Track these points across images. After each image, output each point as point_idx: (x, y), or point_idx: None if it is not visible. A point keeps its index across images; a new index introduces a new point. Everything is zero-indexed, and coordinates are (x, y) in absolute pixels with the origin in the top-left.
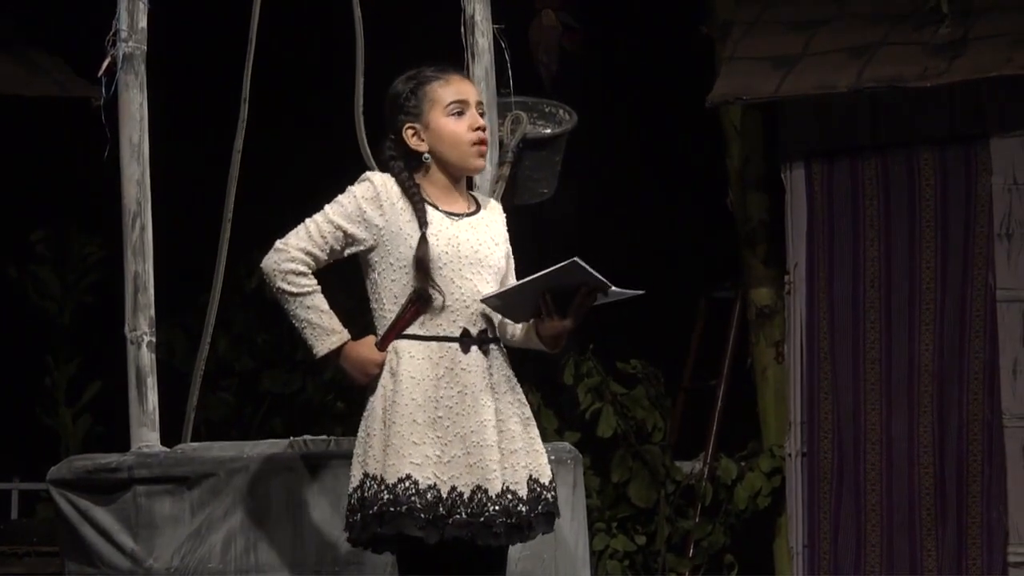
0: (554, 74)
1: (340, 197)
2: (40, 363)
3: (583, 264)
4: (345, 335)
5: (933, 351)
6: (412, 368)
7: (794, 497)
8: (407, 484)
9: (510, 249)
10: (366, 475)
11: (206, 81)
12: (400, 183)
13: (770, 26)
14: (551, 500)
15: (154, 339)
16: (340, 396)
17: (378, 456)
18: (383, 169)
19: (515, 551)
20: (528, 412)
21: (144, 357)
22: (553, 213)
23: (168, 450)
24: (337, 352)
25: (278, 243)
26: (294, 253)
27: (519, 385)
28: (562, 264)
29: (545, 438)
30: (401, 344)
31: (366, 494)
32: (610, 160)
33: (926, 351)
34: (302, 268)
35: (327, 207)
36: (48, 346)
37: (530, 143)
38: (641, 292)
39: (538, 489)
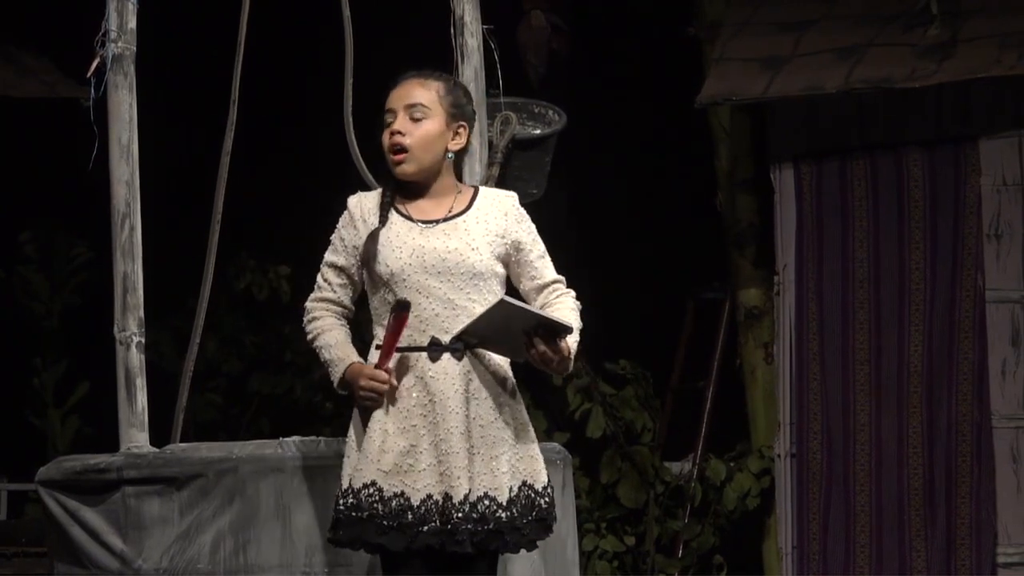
0: (543, 75)
1: (333, 235)
2: (28, 364)
3: (510, 301)
4: (348, 361)
5: (922, 352)
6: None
7: (783, 498)
8: (371, 491)
9: (520, 239)
10: (342, 488)
11: (195, 82)
12: (381, 199)
13: (759, 27)
14: (545, 506)
15: (143, 340)
16: (329, 397)
17: (350, 465)
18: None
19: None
20: (522, 417)
21: (133, 358)
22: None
23: (157, 451)
24: (345, 380)
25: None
26: (310, 305)
27: (515, 393)
28: (492, 307)
29: None
30: (373, 356)
31: (336, 504)
32: (599, 161)
33: (915, 352)
34: (314, 315)
35: (327, 251)
36: (36, 347)
37: (519, 144)
38: (569, 324)
39: (531, 495)
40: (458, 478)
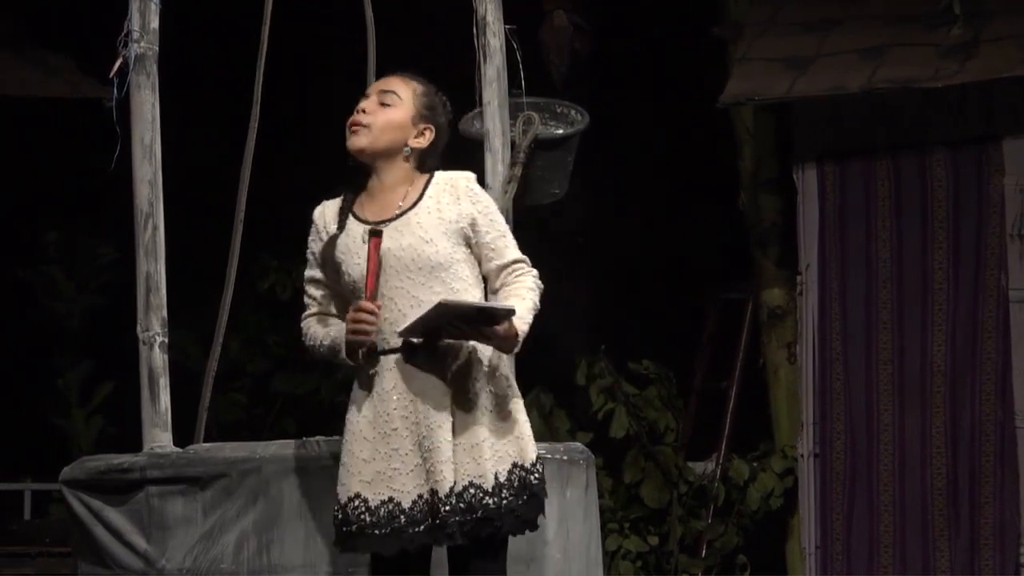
0: (565, 75)
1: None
2: (52, 364)
3: (449, 302)
4: (335, 328)
5: (945, 352)
6: (364, 386)
7: (806, 497)
8: (356, 503)
9: (476, 219)
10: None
11: (218, 81)
12: (341, 205)
13: (782, 27)
14: (535, 482)
15: (166, 340)
16: None
17: (339, 478)
18: None
19: (525, 550)
20: (506, 398)
21: (156, 358)
22: (565, 214)
23: (180, 451)
24: (344, 342)
25: None
26: (303, 326)
27: (494, 375)
28: (431, 308)
29: (557, 438)
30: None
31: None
32: (622, 161)
33: (938, 352)
34: (310, 328)
35: (305, 267)
36: (60, 347)
37: (542, 144)
38: (510, 308)
39: (522, 475)
40: (442, 472)
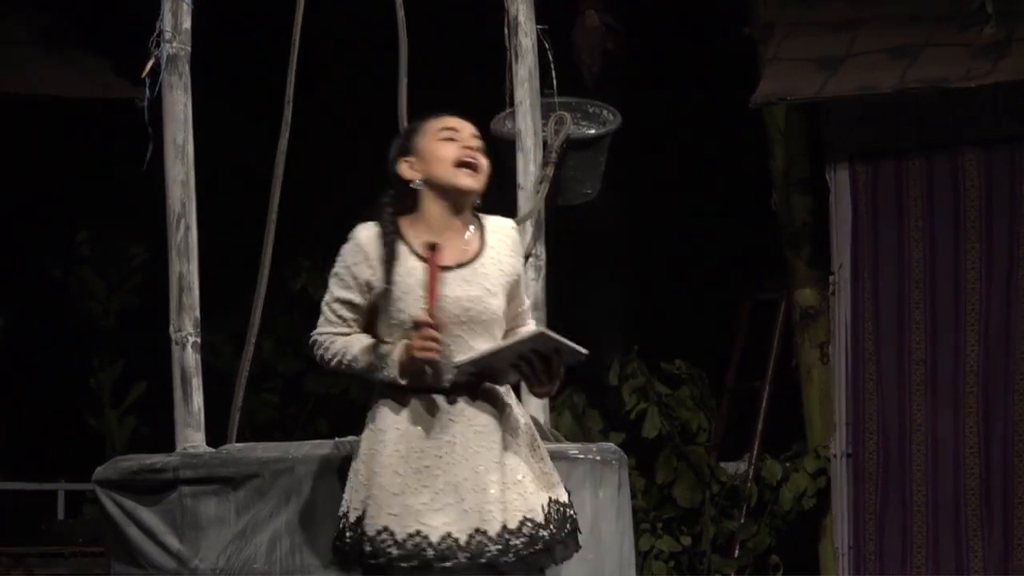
0: (597, 75)
1: (336, 268)
2: (85, 364)
3: (551, 334)
4: (397, 345)
5: (978, 351)
6: (397, 420)
7: (839, 498)
8: (384, 536)
9: (520, 272)
10: (346, 511)
11: (251, 82)
12: (384, 234)
13: (813, 27)
14: (574, 515)
15: (199, 340)
16: None
17: (358, 500)
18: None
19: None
20: (536, 439)
21: (189, 358)
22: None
23: (213, 451)
24: (399, 362)
25: (311, 336)
26: (322, 340)
27: (525, 414)
28: (531, 334)
29: (590, 438)
30: (385, 397)
31: (342, 526)
32: (654, 161)
33: (971, 351)
34: (330, 342)
35: (330, 283)
36: (93, 348)
37: (574, 144)
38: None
39: (560, 508)
40: (491, 512)
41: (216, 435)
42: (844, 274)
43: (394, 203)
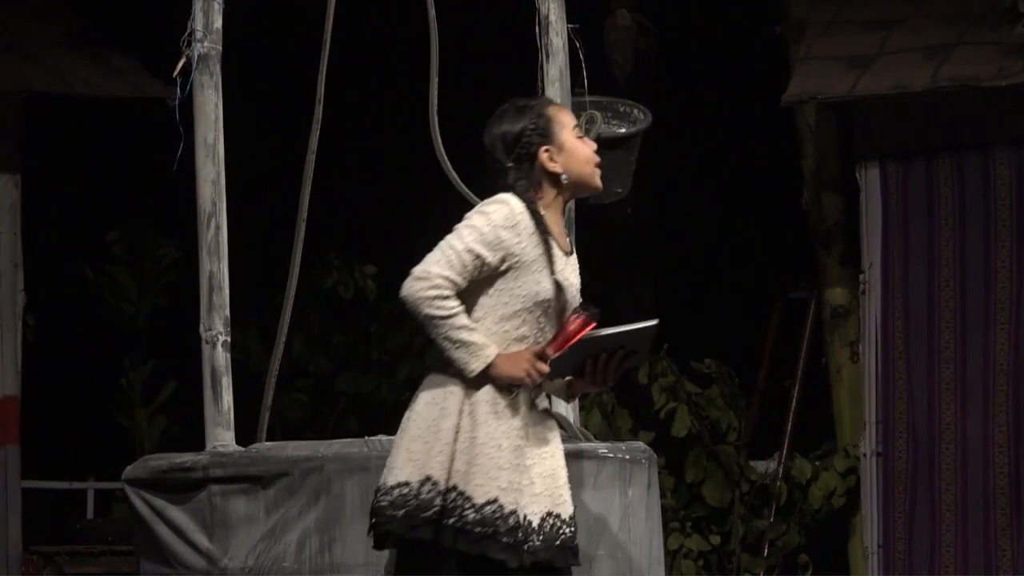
0: (628, 74)
1: (476, 220)
2: (116, 363)
3: (653, 329)
4: (495, 347)
5: (1009, 350)
6: (494, 397)
7: (869, 497)
8: (494, 507)
9: None
10: (428, 479)
11: (282, 80)
12: (533, 216)
13: (845, 26)
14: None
15: (229, 339)
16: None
17: (444, 465)
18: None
19: (586, 548)
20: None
21: (219, 357)
22: (628, 213)
23: (243, 450)
24: (495, 363)
25: (417, 271)
26: (436, 280)
27: None
28: (645, 325)
29: (619, 437)
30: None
31: (423, 496)
32: (685, 160)
33: (1001, 351)
34: (446, 292)
35: (464, 231)
36: (124, 347)
37: (605, 142)
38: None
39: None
40: (563, 496)
41: (246, 434)
42: (874, 273)
43: (529, 189)
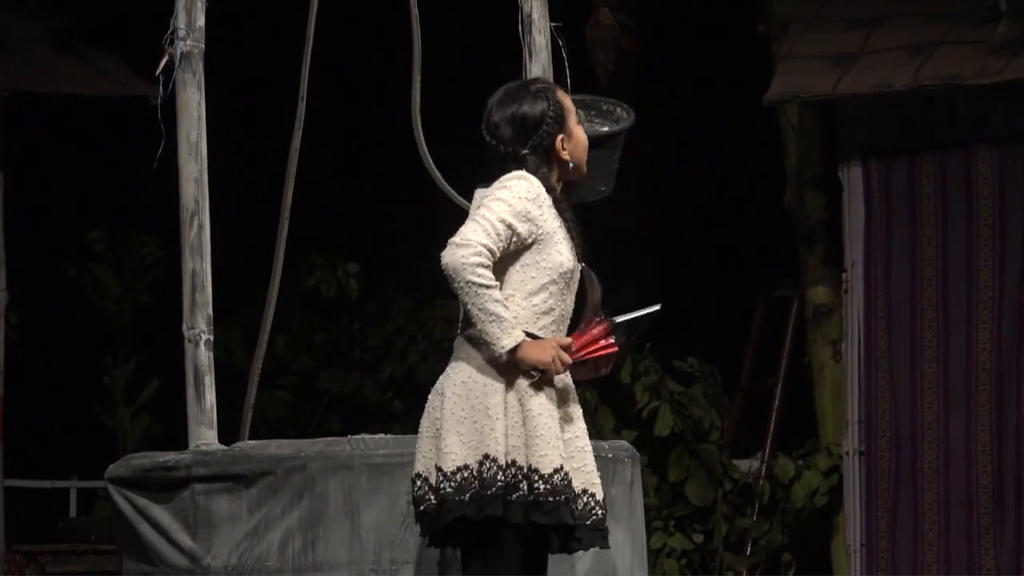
0: (611, 72)
1: (503, 194)
2: (99, 362)
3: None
4: (521, 331)
5: (991, 349)
6: (525, 374)
7: (851, 495)
8: (561, 475)
9: None
10: (487, 456)
11: (264, 79)
12: (550, 192)
13: (827, 24)
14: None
15: (212, 337)
16: (398, 395)
17: (500, 441)
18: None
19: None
20: None
21: (202, 356)
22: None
23: (226, 448)
24: (522, 345)
25: (458, 239)
26: (478, 248)
27: None
28: (651, 310)
29: (602, 436)
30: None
31: (485, 475)
32: (667, 159)
33: (983, 350)
34: (487, 261)
35: (493, 205)
36: (106, 345)
37: (588, 141)
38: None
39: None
40: (595, 474)
41: (229, 433)
42: (857, 272)
43: (545, 173)
